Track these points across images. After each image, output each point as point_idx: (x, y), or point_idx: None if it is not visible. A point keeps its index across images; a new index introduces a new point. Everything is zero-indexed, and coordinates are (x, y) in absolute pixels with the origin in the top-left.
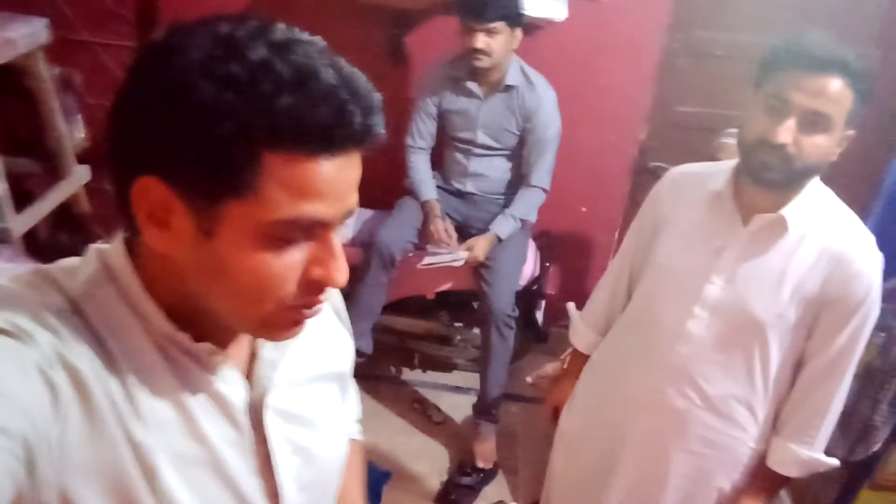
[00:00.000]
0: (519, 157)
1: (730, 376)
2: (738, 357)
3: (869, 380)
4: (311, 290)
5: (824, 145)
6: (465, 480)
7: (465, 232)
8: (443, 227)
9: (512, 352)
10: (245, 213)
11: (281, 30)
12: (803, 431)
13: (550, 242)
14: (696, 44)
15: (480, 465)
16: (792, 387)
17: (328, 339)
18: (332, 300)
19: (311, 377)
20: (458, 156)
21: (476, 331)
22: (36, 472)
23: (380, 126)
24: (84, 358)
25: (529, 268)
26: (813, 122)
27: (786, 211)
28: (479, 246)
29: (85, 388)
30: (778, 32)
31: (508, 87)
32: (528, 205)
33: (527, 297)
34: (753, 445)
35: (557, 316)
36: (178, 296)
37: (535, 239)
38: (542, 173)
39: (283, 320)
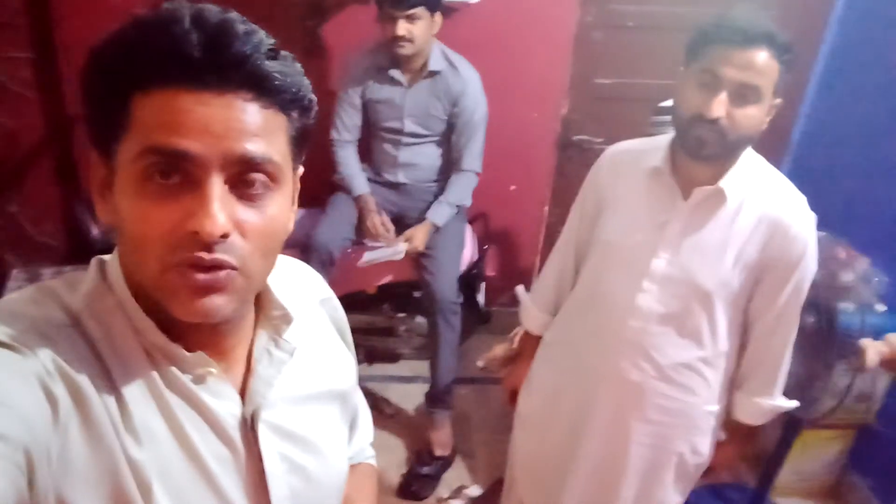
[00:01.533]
0: (448, 142)
1: (680, 345)
2: (687, 326)
3: (814, 345)
4: (188, 243)
5: (755, 116)
6: (425, 470)
7: (401, 222)
8: (379, 222)
9: (459, 337)
10: (125, 154)
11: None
12: (763, 385)
13: (485, 224)
14: (610, 16)
15: (438, 452)
16: (738, 347)
17: (328, 356)
18: (335, 318)
19: (309, 395)
20: (387, 146)
21: (419, 319)
22: (35, 481)
23: (246, 61)
24: (83, 372)
25: (468, 252)
26: (744, 94)
27: (723, 182)
28: (418, 236)
29: (84, 402)
30: (689, 2)
31: (432, 73)
32: (462, 189)
33: (468, 281)
34: (707, 408)
35: (497, 295)
36: (145, 293)
37: (470, 222)
38: (472, 157)
39: (177, 285)
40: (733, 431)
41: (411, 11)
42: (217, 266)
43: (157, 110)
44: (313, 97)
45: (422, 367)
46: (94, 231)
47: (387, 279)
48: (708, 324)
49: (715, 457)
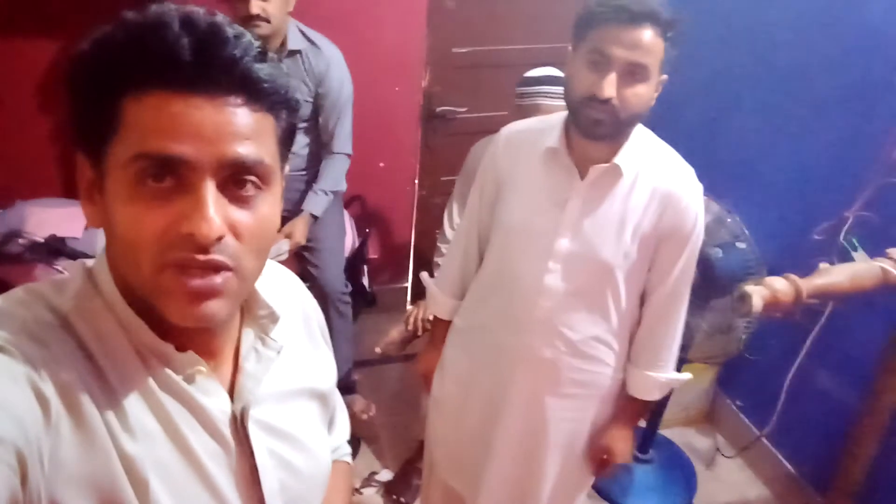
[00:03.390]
0: (315, 127)
1: (589, 320)
2: (594, 301)
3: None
4: (182, 245)
5: (644, 94)
6: None
7: None
8: None
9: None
10: (116, 157)
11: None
12: (657, 358)
13: (362, 206)
14: None
15: None
16: (639, 316)
17: (310, 356)
18: (317, 318)
19: (293, 392)
20: None
21: None
22: (28, 482)
23: (237, 65)
24: (73, 372)
25: (350, 239)
26: (632, 72)
27: (618, 159)
28: (298, 230)
29: (75, 402)
30: None
31: (292, 53)
32: (336, 174)
33: (352, 267)
34: (614, 375)
35: (378, 274)
36: (135, 295)
37: (346, 207)
38: (342, 138)
39: (171, 289)
40: (623, 410)
41: None
42: (212, 267)
43: (150, 115)
44: (298, 97)
45: None
46: None
47: None
48: (612, 297)
49: (608, 440)
